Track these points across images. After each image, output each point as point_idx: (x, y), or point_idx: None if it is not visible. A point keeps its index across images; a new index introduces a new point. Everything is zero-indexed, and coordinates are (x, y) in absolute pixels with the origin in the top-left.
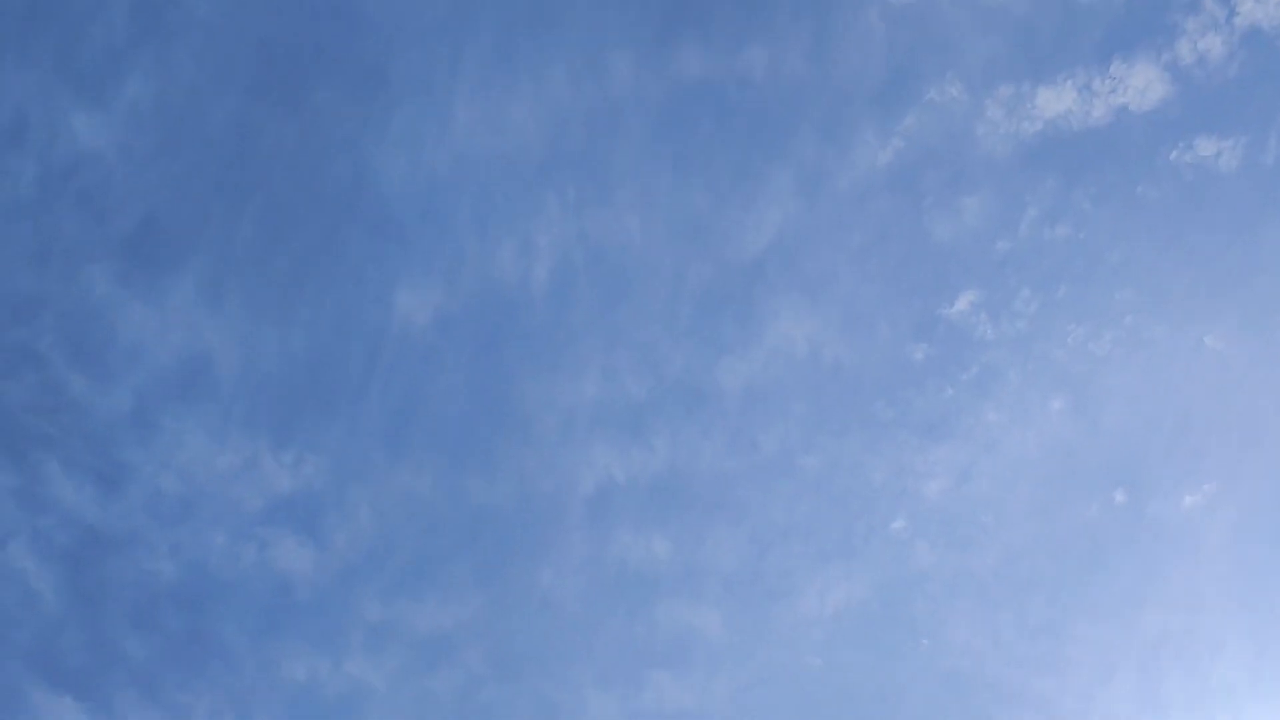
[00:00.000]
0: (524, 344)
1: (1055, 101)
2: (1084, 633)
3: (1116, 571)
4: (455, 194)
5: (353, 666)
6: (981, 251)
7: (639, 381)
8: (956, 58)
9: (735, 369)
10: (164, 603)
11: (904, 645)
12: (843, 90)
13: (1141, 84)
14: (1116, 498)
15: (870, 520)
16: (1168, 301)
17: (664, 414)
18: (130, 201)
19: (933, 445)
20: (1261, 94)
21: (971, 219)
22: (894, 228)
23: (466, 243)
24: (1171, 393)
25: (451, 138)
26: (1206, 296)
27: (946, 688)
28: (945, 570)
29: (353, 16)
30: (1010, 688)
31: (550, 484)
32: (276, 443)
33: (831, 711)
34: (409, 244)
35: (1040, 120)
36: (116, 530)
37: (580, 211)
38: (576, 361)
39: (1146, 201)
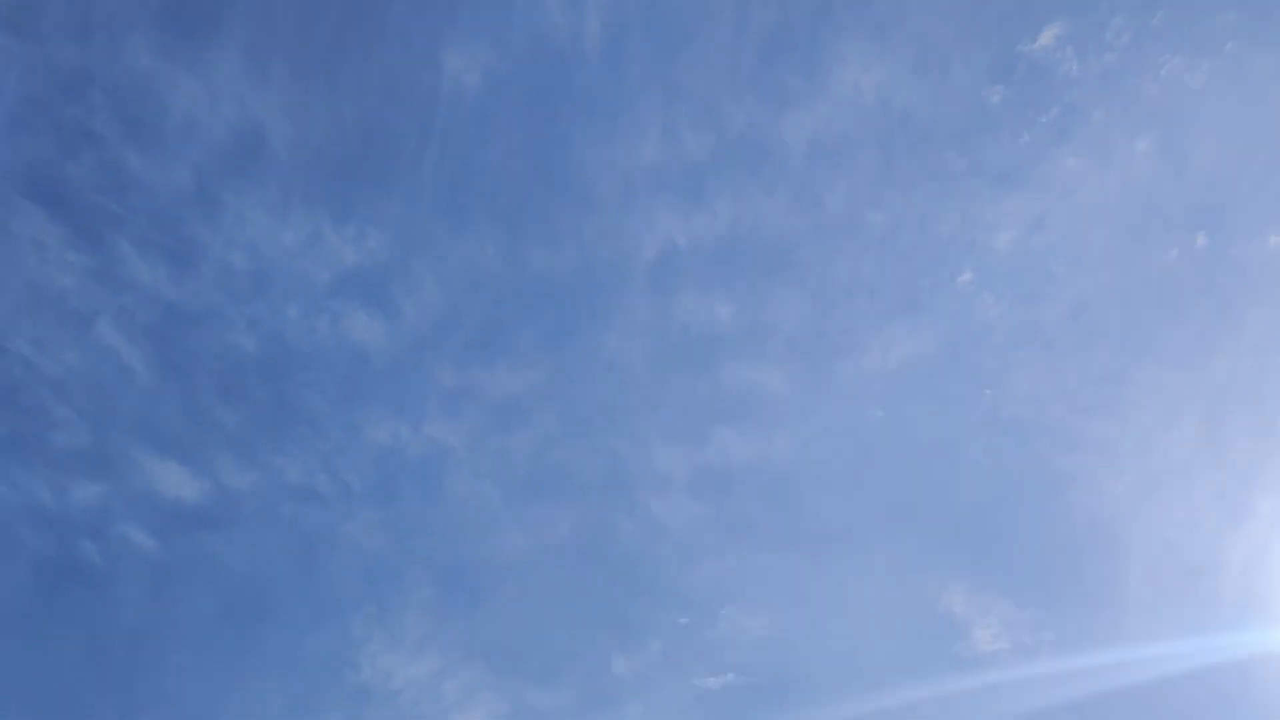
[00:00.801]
0: (578, 104)
1: None
2: (1150, 379)
3: (1189, 317)
4: None
5: (432, 429)
6: None
7: (699, 140)
8: None
9: (800, 122)
10: (249, 374)
11: (967, 396)
12: None
13: None
14: (1197, 241)
15: (937, 274)
16: (1275, 23)
17: (725, 173)
18: None
19: (1005, 194)
20: None
21: None
22: None
23: None
24: (1269, 125)
25: None
26: None
27: (1007, 435)
28: (1011, 322)
29: None
30: (1071, 434)
31: (611, 250)
32: (337, 217)
33: (893, 461)
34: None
35: None
36: (195, 306)
37: None
38: (633, 121)
39: None
